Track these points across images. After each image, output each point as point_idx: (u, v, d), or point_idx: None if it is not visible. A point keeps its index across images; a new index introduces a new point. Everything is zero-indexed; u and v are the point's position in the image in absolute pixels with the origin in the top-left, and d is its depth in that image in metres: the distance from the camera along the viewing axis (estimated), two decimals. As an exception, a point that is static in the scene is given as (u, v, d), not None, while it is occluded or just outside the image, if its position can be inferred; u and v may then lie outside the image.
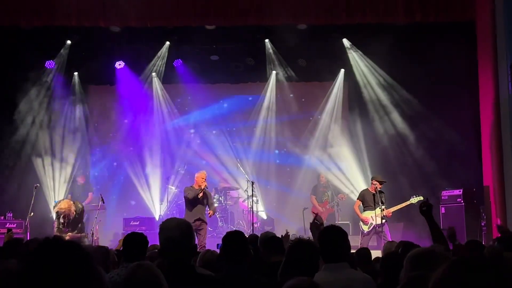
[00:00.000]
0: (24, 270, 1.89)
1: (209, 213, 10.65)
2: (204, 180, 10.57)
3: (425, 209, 4.63)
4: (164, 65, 13.94)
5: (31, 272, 1.87)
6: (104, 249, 5.18)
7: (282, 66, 13.97)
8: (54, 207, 10.37)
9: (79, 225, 10.11)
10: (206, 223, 10.64)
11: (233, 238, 4.26)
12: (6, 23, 11.28)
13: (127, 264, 3.92)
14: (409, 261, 3.16)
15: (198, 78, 14.09)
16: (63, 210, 9.77)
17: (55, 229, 9.99)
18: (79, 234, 9.94)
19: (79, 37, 13.02)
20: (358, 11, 11.31)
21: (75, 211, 9.95)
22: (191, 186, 10.67)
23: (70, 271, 1.88)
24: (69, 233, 9.79)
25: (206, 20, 11.82)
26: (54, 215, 10.69)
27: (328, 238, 3.87)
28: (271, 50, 13.69)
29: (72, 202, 10.14)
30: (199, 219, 10.37)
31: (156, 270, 2.81)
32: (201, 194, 10.45)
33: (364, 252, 5.62)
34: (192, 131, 14.67)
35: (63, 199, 11.01)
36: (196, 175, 10.79)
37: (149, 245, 4.91)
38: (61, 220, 9.83)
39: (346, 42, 13.50)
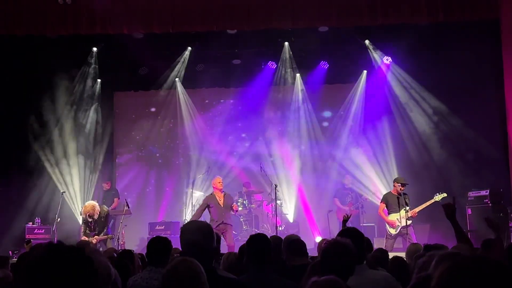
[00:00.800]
0: (25, 276, 1.94)
1: (233, 207, 10.72)
2: (220, 184, 10.72)
3: (450, 212, 4.58)
4: (186, 69, 14.05)
5: (32, 278, 1.91)
6: (129, 253, 5.25)
7: (304, 68, 13.98)
8: (80, 213, 10.56)
9: (105, 229, 10.27)
10: (231, 225, 10.74)
11: (257, 241, 4.28)
12: (34, 33, 11.48)
13: (151, 268, 3.96)
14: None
15: (220, 82, 14.17)
16: (87, 210, 9.96)
17: (82, 233, 10.19)
18: (105, 236, 10.13)
19: (103, 44, 13.21)
20: (380, 12, 11.23)
21: (100, 213, 10.12)
22: (211, 194, 10.81)
23: (71, 276, 1.92)
24: (96, 236, 9.98)
25: (227, 25, 11.87)
26: (80, 220, 10.83)
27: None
28: (291, 53, 13.69)
29: (96, 204, 10.31)
30: (222, 223, 10.48)
31: (198, 266, 2.76)
32: (221, 203, 10.59)
33: (380, 253, 5.56)
34: (215, 134, 14.73)
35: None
36: (212, 182, 10.98)
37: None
38: (89, 219, 9.98)
39: (368, 43, 13.45)
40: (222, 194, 10.71)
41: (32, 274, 1.92)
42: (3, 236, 12.29)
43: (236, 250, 7.16)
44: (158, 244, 4.31)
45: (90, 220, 10.01)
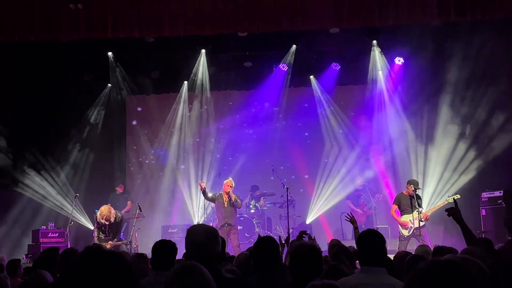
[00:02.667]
0: (67, 279, 1.95)
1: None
2: (230, 187, 10.74)
3: (456, 216, 4.55)
4: (199, 72, 14.09)
5: (74, 281, 1.92)
6: (143, 257, 5.26)
7: (314, 70, 13.96)
8: (95, 218, 10.54)
9: (118, 235, 10.27)
10: (236, 227, 10.87)
11: (265, 244, 4.27)
12: (47, 38, 11.57)
13: (156, 272, 3.95)
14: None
15: (232, 85, 14.18)
16: (104, 213, 9.92)
17: (95, 238, 10.13)
18: (120, 242, 10.10)
19: (115, 48, 13.30)
20: (391, 13, 11.16)
21: (115, 217, 10.08)
22: (219, 194, 10.94)
23: (112, 280, 1.92)
24: (110, 242, 9.94)
25: (239, 27, 11.86)
26: (93, 226, 10.89)
27: (367, 242, 3.91)
28: (300, 55, 13.67)
29: (112, 208, 10.30)
30: (228, 224, 10.60)
31: (206, 274, 2.72)
32: (226, 204, 10.63)
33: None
34: (227, 134, 14.75)
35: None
36: (224, 182, 11.07)
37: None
38: (106, 223, 9.93)
39: (375, 43, 13.41)
40: (227, 195, 10.79)
41: (73, 280, 1.92)
42: (18, 239, 12.40)
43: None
44: (163, 248, 4.30)
45: (107, 223, 9.97)
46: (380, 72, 13.92)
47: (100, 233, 10.11)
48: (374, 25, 11.70)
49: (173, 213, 14.18)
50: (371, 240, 3.93)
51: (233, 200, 10.78)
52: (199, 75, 14.13)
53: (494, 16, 11.01)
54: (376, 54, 13.51)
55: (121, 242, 10.15)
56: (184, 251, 4.93)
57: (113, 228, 10.13)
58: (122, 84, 14.34)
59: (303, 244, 3.85)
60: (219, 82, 14.21)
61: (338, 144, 14.31)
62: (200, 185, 11.03)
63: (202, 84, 14.32)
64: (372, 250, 3.88)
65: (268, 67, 14.11)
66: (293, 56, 13.67)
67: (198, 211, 13.48)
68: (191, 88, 14.53)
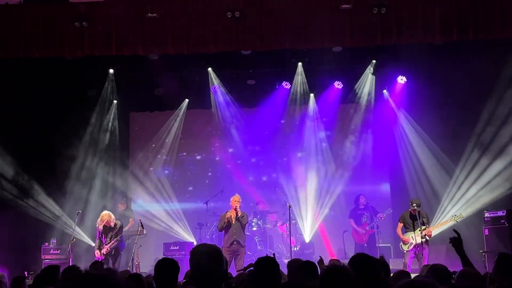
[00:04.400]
0: None
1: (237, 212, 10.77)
2: (237, 202, 10.72)
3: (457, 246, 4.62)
4: (202, 90, 14.16)
5: None
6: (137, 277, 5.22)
7: (319, 88, 14.01)
8: (96, 225, 11.10)
9: (115, 243, 10.84)
10: (244, 246, 10.68)
11: (264, 264, 4.28)
12: (52, 55, 11.65)
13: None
14: None
15: (235, 102, 14.24)
16: (104, 218, 10.76)
17: (95, 247, 10.92)
18: (114, 241, 10.79)
19: (119, 66, 13.37)
20: (393, 32, 11.21)
21: (115, 224, 10.86)
22: (226, 212, 10.83)
23: None
24: (106, 246, 10.70)
25: (242, 46, 11.93)
26: (90, 239, 11.47)
27: (358, 267, 3.90)
28: (305, 73, 13.73)
29: (112, 215, 10.98)
30: (236, 242, 10.49)
31: None
32: (233, 220, 10.61)
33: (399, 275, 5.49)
34: (230, 151, 14.76)
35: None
36: (231, 199, 10.95)
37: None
38: (107, 226, 10.75)
39: (374, 63, 13.49)
40: (235, 212, 10.74)
41: None
42: (20, 256, 12.35)
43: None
44: (165, 266, 4.32)
45: (108, 226, 10.72)
46: (385, 91, 13.95)
47: (100, 243, 10.87)
48: (377, 44, 11.74)
49: (176, 230, 14.12)
50: (363, 266, 3.96)
51: (239, 215, 10.73)
52: (202, 92, 14.19)
53: (495, 36, 11.06)
54: (369, 74, 13.58)
55: (115, 240, 10.78)
56: (186, 268, 4.95)
57: (111, 233, 10.83)
58: (126, 100, 14.41)
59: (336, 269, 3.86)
60: (222, 100, 14.26)
61: (335, 163, 14.29)
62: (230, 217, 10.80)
63: (204, 101, 14.39)
64: (365, 275, 3.89)
65: (271, 85, 14.17)
66: (296, 74, 13.72)
67: (200, 229, 13.41)
68: (193, 106, 14.59)
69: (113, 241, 10.81)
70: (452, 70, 12.46)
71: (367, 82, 13.78)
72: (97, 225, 11.03)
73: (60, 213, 13.00)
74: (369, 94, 13.93)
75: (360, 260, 4.01)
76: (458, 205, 12.12)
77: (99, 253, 10.79)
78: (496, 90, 11.75)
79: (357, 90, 13.90)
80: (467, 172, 12.34)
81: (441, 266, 4.77)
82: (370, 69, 13.48)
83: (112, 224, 10.80)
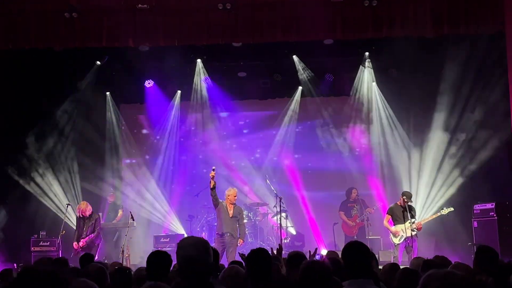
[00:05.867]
0: None
1: (239, 243, 10.64)
2: (233, 197, 10.70)
3: None
4: (193, 82, 14.13)
5: None
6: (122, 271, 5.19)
7: (310, 81, 14.00)
8: (76, 214, 11.36)
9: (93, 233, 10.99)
10: (237, 238, 10.64)
11: (257, 256, 4.29)
12: (41, 46, 11.57)
13: (150, 283, 3.95)
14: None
15: (226, 95, 14.22)
16: (81, 207, 10.98)
17: (74, 238, 11.05)
18: (92, 235, 10.93)
19: (110, 57, 13.29)
20: (385, 25, 11.22)
21: (91, 215, 11.00)
22: (223, 202, 10.77)
23: None
24: (82, 239, 10.84)
25: (233, 38, 11.90)
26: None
27: (352, 254, 3.91)
28: (298, 66, 13.72)
29: (89, 205, 11.12)
30: (229, 234, 10.44)
31: None
32: (231, 212, 10.57)
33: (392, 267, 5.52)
34: (219, 146, 14.77)
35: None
36: (226, 192, 10.88)
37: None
38: (80, 215, 10.99)
39: (367, 55, 13.54)
40: (232, 206, 10.70)
41: None
42: (9, 248, 12.30)
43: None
44: (157, 259, 4.31)
45: (83, 216, 10.90)
46: (374, 83, 13.99)
47: (77, 233, 11.02)
48: (368, 37, 11.74)
49: (165, 223, 14.09)
50: (357, 253, 3.93)
51: (239, 216, 10.70)
52: (193, 84, 14.17)
53: (486, 30, 11.09)
54: (366, 66, 13.62)
55: (94, 235, 10.96)
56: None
57: (87, 225, 10.96)
58: (116, 92, 14.37)
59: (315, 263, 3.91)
60: (213, 92, 14.24)
61: (328, 154, 14.34)
62: (211, 175, 10.37)
63: (195, 93, 14.36)
64: (359, 262, 3.88)
65: (262, 77, 14.16)
66: (288, 66, 13.71)
67: (190, 221, 13.40)
68: (185, 98, 14.55)
69: (91, 236, 10.91)
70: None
71: (360, 75, 13.81)
72: (76, 214, 11.34)
73: (50, 205, 12.96)
74: (360, 87, 13.97)
75: (356, 246, 4.03)
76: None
77: (77, 244, 10.85)
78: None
79: (350, 83, 13.94)
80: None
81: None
82: (368, 63, 13.51)
83: (87, 215, 10.93)
